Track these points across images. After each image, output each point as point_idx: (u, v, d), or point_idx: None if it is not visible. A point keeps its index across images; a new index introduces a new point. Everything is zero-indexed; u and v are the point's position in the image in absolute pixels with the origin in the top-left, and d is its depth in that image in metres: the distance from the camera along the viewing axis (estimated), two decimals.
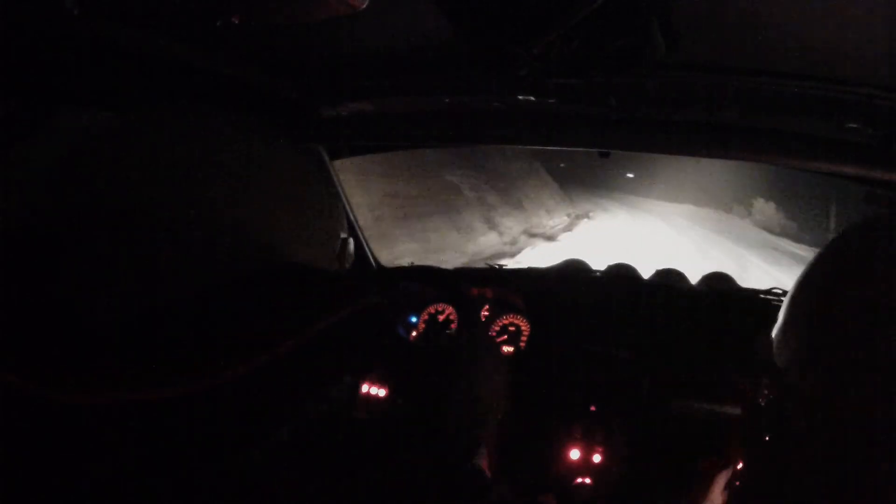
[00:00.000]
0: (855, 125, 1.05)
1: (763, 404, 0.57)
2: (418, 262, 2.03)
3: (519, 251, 10.13)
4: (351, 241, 0.70)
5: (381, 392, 1.36)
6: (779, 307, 0.58)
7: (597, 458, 1.32)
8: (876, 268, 0.49)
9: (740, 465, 0.63)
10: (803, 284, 0.56)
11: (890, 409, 0.44)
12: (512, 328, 1.67)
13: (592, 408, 1.42)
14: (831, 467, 0.47)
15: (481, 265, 1.98)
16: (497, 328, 1.68)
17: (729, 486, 0.68)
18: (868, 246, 0.53)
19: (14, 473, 0.50)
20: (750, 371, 0.60)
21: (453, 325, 1.68)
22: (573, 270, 2.02)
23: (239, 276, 0.55)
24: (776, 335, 0.57)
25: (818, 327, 0.52)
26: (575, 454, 1.33)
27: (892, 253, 0.49)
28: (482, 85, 1.20)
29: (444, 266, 1.95)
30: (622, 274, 1.94)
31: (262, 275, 0.56)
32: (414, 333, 1.67)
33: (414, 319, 1.69)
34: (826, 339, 0.50)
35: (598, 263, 2.06)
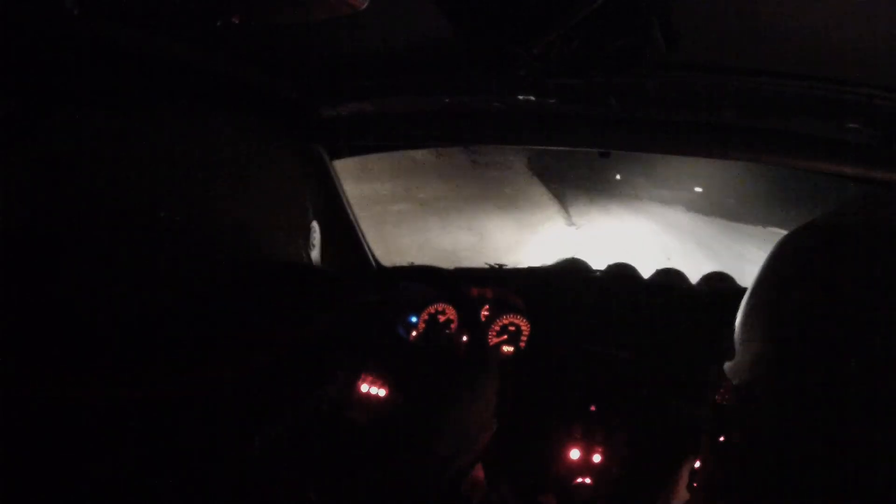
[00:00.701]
0: (855, 125, 1.05)
1: (724, 402, 0.56)
2: (418, 262, 2.02)
3: (519, 251, 10.12)
4: (317, 228, 0.70)
5: (381, 392, 1.36)
6: None
7: (597, 458, 1.32)
8: (825, 267, 0.49)
9: (700, 464, 0.63)
10: (759, 284, 0.56)
11: (845, 409, 0.44)
12: (512, 328, 1.67)
13: (592, 408, 1.42)
14: (793, 467, 0.47)
15: (481, 265, 1.97)
16: (497, 328, 1.68)
17: (702, 485, 0.68)
18: (817, 246, 0.53)
19: (14, 472, 0.50)
20: (715, 368, 0.60)
21: (453, 326, 1.68)
22: (573, 270, 2.02)
23: (236, 274, 0.55)
24: (736, 335, 0.57)
25: (773, 327, 0.52)
26: (575, 454, 1.33)
27: (840, 253, 0.50)
28: (482, 85, 1.20)
29: (444, 266, 1.95)
30: (622, 274, 1.93)
31: (254, 272, 0.56)
32: (414, 333, 1.67)
33: (414, 319, 1.69)
34: (780, 339, 0.50)
35: (598, 263, 2.06)
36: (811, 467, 0.46)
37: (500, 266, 1.99)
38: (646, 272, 1.96)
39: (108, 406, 0.51)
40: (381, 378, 1.36)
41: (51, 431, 0.52)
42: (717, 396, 0.59)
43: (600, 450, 1.33)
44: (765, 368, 0.51)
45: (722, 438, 0.57)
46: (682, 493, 0.85)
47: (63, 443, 0.52)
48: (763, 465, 0.50)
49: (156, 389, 0.52)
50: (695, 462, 0.69)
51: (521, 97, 1.20)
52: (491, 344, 1.66)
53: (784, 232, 0.62)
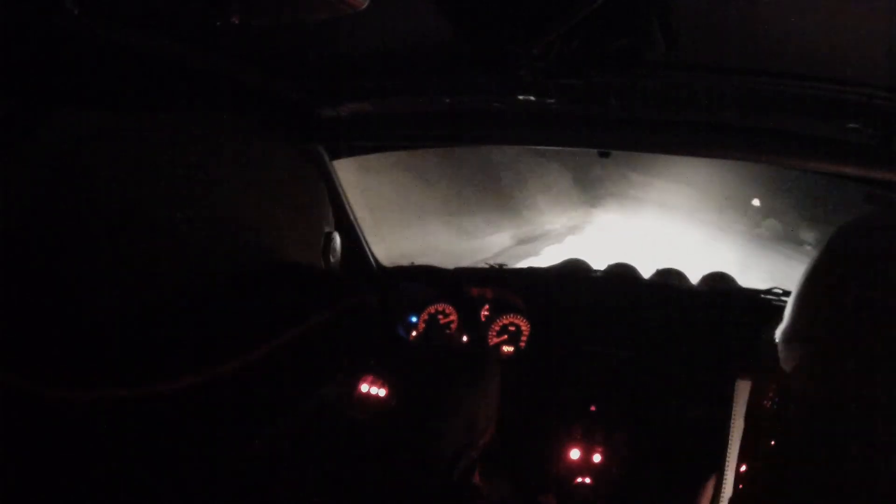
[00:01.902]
0: (855, 125, 1.05)
1: (767, 406, 0.55)
2: (418, 262, 2.02)
3: (519, 251, 10.13)
4: (337, 236, 0.70)
5: (381, 392, 1.36)
6: (780, 307, 0.57)
7: (597, 458, 1.32)
8: (877, 270, 0.48)
9: (743, 468, 0.62)
10: (805, 288, 0.55)
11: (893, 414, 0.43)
12: (512, 328, 1.67)
13: (592, 408, 1.42)
14: (832, 471, 0.46)
15: (481, 265, 1.97)
16: (497, 328, 1.68)
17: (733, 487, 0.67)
18: (869, 248, 0.51)
19: (14, 470, 0.50)
20: (753, 373, 0.59)
21: (453, 326, 1.68)
22: (573, 270, 2.02)
23: (232, 273, 0.55)
24: (780, 337, 0.56)
25: (821, 331, 0.50)
26: (575, 454, 1.33)
27: (892, 253, 0.48)
28: (482, 85, 1.20)
29: (444, 266, 1.95)
30: (622, 274, 1.93)
31: (254, 272, 0.56)
32: (414, 333, 1.67)
33: (414, 319, 1.69)
34: (829, 342, 0.49)
35: (598, 263, 2.06)
36: (849, 471, 0.45)
37: (500, 266, 1.99)
38: (646, 272, 1.96)
39: (107, 405, 0.51)
40: (381, 378, 1.36)
41: (48, 428, 0.52)
42: (751, 398, 0.58)
43: (600, 450, 1.33)
44: (814, 370, 0.50)
45: (762, 441, 0.56)
46: (683, 494, 0.84)
47: (60, 438, 0.52)
48: (801, 467, 0.49)
49: (155, 387, 0.52)
50: (724, 463, 0.68)
51: (521, 97, 1.20)
52: (491, 344, 1.66)
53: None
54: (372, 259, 1.90)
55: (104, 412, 0.52)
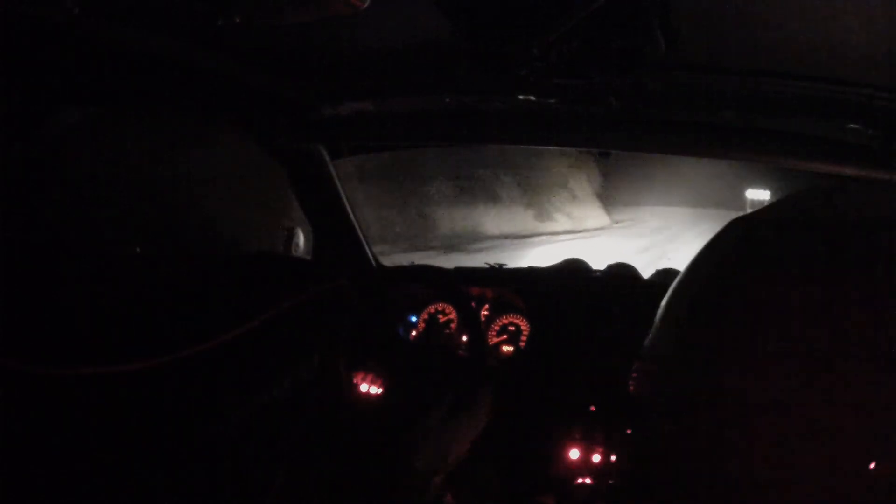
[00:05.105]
0: (855, 125, 1.05)
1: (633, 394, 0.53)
2: (418, 262, 2.02)
3: (519, 250, 10.13)
4: (300, 230, 0.72)
5: (378, 390, 1.36)
6: None
7: (597, 458, 1.32)
8: (750, 269, 0.45)
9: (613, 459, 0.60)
10: (684, 281, 0.53)
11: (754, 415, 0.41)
12: (512, 328, 1.67)
13: (592, 408, 1.42)
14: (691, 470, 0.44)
15: (481, 265, 1.97)
16: (497, 328, 1.68)
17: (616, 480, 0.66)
18: (743, 246, 0.49)
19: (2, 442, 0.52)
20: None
21: (453, 325, 1.68)
22: (573, 270, 2.02)
23: (199, 263, 0.56)
24: (654, 328, 0.54)
25: (688, 326, 0.48)
26: (575, 454, 1.33)
27: (768, 253, 0.45)
28: (482, 85, 1.20)
29: (444, 266, 1.95)
30: (622, 274, 1.93)
31: (219, 263, 0.58)
32: (414, 333, 1.67)
33: (414, 319, 1.69)
34: (694, 338, 0.47)
35: (598, 263, 2.06)
36: (695, 466, 0.44)
37: (500, 266, 1.98)
38: (646, 272, 1.96)
39: (83, 379, 0.53)
40: (379, 377, 1.36)
41: (26, 405, 0.53)
42: (630, 384, 0.57)
43: (600, 450, 1.33)
44: (671, 354, 0.48)
45: (628, 430, 0.54)
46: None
47: (38, 415, 0.53)
48: (656, 458, 0.47)
49: (128, 366, 0.53)
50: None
51: (521, 97, 1.20)
52: (491, 343, 1.66)
53: None
54: (372, 259, 1.90)
55: (81, 388, 0.53)
